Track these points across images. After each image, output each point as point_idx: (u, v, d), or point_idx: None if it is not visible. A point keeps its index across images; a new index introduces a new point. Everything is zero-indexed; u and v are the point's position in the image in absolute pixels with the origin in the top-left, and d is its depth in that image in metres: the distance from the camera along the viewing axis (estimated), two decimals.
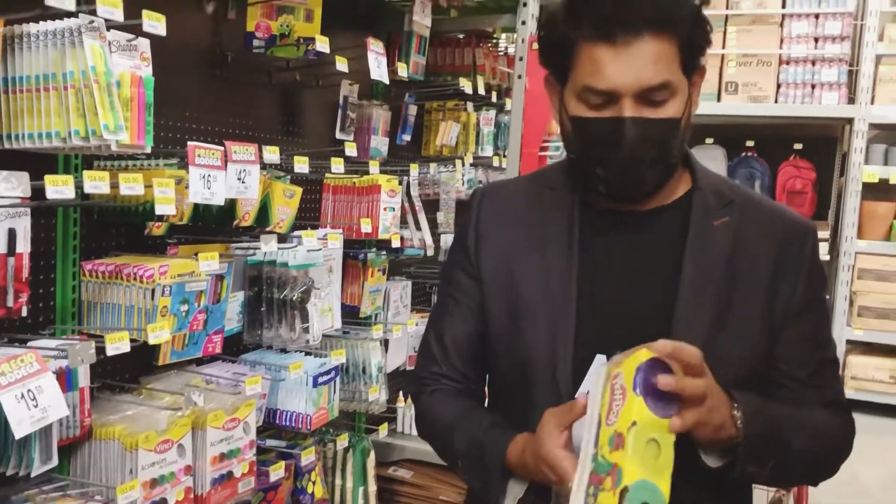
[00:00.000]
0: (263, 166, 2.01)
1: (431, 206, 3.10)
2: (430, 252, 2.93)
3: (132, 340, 1.65)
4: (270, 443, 2.31)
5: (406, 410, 3.00)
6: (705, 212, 1.24)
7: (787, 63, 6.09)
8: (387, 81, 2.39)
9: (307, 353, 2.38)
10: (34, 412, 1.33)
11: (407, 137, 2.99)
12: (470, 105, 3.14)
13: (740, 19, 6.31)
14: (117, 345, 1.56)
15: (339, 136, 2.54)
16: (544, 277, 1.25)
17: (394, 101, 2.91)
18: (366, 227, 2.43)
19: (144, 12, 1.55)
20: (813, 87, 5.90)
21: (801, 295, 1.24)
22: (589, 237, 1.26)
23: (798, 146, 6.49)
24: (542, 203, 1.30)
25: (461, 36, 3.16)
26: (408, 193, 2.81)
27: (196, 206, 1.92)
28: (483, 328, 1.32)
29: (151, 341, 1.66)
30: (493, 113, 3.36)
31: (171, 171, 1.77)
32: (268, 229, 2.07)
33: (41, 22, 1.49)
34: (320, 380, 2.28)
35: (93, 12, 1.45)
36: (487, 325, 1.31)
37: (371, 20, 2.81)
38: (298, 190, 2.16)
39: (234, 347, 2.31)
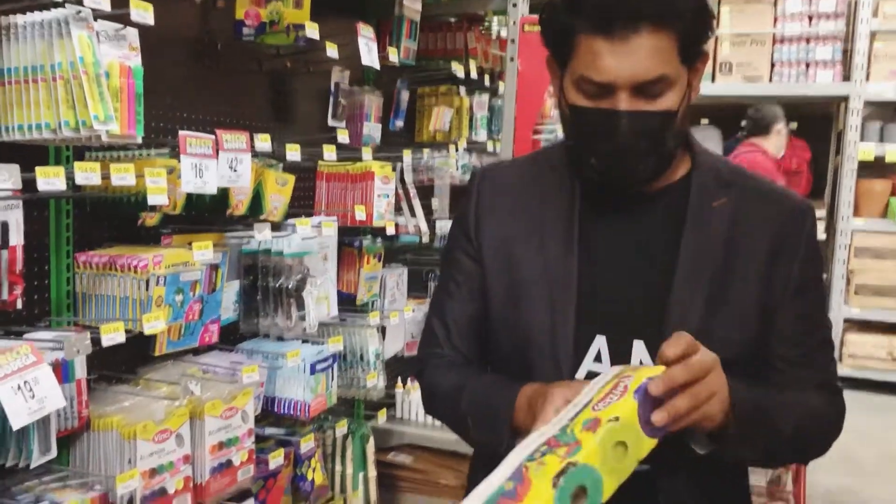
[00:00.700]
0: (255, 154, 2.01)
1: (426, 192, 3.09)
2: (426, 238, 2.93)
3: (127, 331, 1.65)
4: (270, 431, 2.32)
5: (405, 396, 3.01)
6: (703, 193, 1.24)
7: (781, 42, 6.06)
8: (378, 67, 2.38)
9: (304, 341, 2.38)
10: (31, 403, 1.33)
11: (400, 123, 2.99)
12: (463, 89, 3.13)
13: None
14: (112, 335, 1.57)
15: (331, 122, 2.53)
16: (544, 259, 1.25)
17: (386, 87, 2.90)
18: (360, 214, 2.42)
19: (132, 1, 1.54)
20: (807, 65, 5.87)
21: (798, 275, 1.23)
22: (589, 218, 1.26)
23: (793, 125, 6.48)
24: (542, 183, 1.29)
25: (453, 20, 3.14)
26: (402, 180, 2.80)
27: (189, 195, 1.91)
28: (484, 309, 1.32)
29: (147, 331, 1.66)
30: (486, 97, 3.35)
31: (163, 160, 1.77)
32: (261, 218, 2.07)
33: (28, 13, 1.48)
34: (318, 367, 2.29)
35: (80, 2, 1.44)
36: (488, 306, 1.31)
37: (361, 5, 2.79)
38: (291, 178, 2.16)
39: (231, 336, 2.31)
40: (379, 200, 2.57)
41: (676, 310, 1.19)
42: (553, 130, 2.98)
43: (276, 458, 2.15)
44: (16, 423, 1.30)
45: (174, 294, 1.81)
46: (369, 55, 2.32)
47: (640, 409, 1.02)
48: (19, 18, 1.48)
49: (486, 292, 1.30)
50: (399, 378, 3.05)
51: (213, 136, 1.78)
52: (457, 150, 2.99)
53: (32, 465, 1.60)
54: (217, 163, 1.79)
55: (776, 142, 5.63)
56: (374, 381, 2.61)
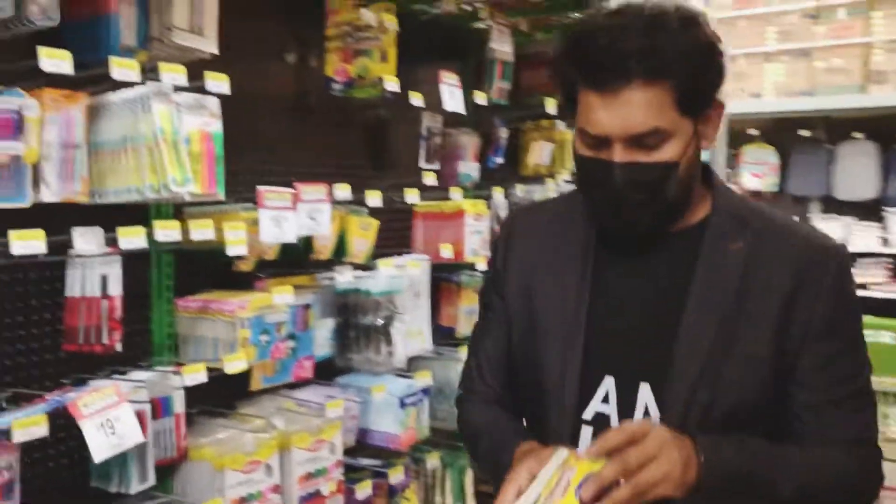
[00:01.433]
0: (338, 202, 2.15)
1: None
2: None
3: (212, 370, 1.81)
4: (364, 461, 2.43)
5: None
6: (719, 236, 1.22)
7: None
8: (462, 111, 2.46)
9: (399, 375, 2.49)
10: (112, 439, 1.50)
11: (499, 160, 3.05)
12: (563, 124, 3.15)
13: (887, 3, 5.87)
14: (194, 376, 1.73)
15: (422, 165, 2.63)
16: (559, 298, 1.28)
17: (485, 126, 2.98)
18: (446, 252, 2.51)
19: (206, 73, 1.71)
20: None
21: (819, 321, 1.18)
22: (604, 260, 1.28)
23: None
24: (564, 225, 1.32)
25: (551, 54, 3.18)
26: (497, 215, 2.86)
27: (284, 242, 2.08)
28: (510, 346, 1.36)
29: (228, 371, 1.82)
30: None
31: (248, 213, 1.93)
32: (345, 260, 2.20)
33: (120, 91, 1.69)
34: (407, 401, 2.38)
35: (157, 80, 1.62)
36: (510, 343, 1.35)
37: (457, 50, 2.90)
38: (374, 222, 2.28)
39: (330, 371, 2.45)
40: (472, 237, 2.64)
41: (681, 354, 1.18)
42: None
43: (364, 489, 2.25)
44: (97, 456, 1.48)
45: (259, 335, 1.96)
46: (451, 101, 2.41)
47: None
48: (112, 97, 1.68)
49: (510, 329, 1.35)
50: None
51: (292, 190, 1.93)
52: (555, 182, 3.01)
53: (131, 492, 1.79)
54: (296, 214, 1.93)
55: None
56: None
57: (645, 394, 1.21)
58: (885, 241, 6.17)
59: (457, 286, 2.77)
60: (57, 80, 1.57)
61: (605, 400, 1.23)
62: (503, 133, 3.03)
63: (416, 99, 2.38)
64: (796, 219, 1.33)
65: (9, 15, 1.43)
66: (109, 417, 1.51)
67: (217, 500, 1.84)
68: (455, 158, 2.84)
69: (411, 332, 2.47)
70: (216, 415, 2.10)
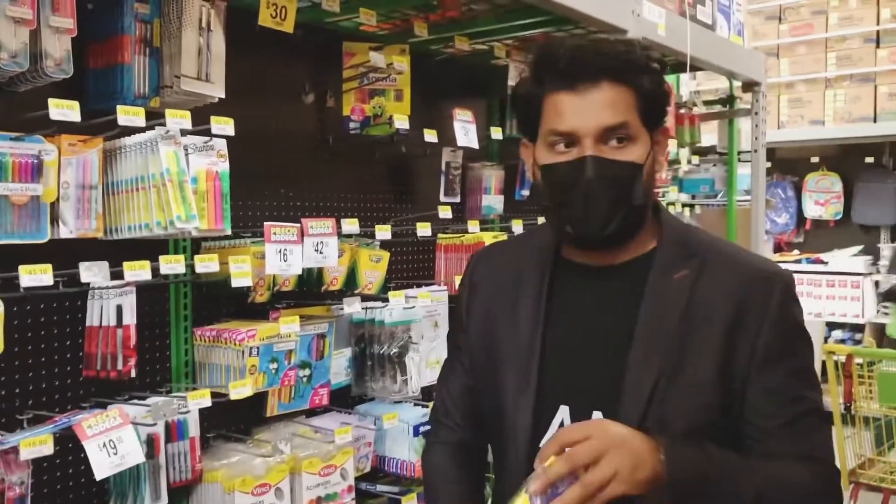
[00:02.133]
0: (348, 236, 2.24)
1: None
2: None
3: (218, 395, 1.92)
4: (381, 488, 2.49)
5: None
6: (666, 266, 1.27)
7: None
8: (476, 147, 2.53)
9: (416, 404, 2.55)
10: (113, 459, 1.62)
11: (525, 192, 3.10)
12: None
13: None
14: (199, 401, 1.83)
15: (442, 199, 2.71)
16: (515, 331, 1.33)
17: (510, 160, 3.04)
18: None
19: (213, 118, 1.84)
20: None
21: (764, 348, 1.21)
22: (559, 292, 1.33)
23: None
24: (523, 260, 1.38)
25: None
26: None
27: (300, 275, 2.18)
28: (473, 382, 1.42)
29: (233, 397, 1.92)
30: None
31: (257, 247, 2.04)
32: (356, 291, 2.28)
33: (133, 135, 1.82)
34: (421, 429, 2.43)
35: (163, 125, 1.75)
36: (475, 379, 1.41)
37: (479, 87, 2.99)
38: (385, 254, 2.36)
39: (349, 399, 2.53)
40: None
41: (630, 381, 1.22)
42: (666, 192, 2.95)
43: None
44: (98, 474, 1.59)
45: (268, 363, 2.06)
46: (466, 137, 2.49)
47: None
48: (126, 140, 1.82)
49: (472, 363, 1.40)
50: None
51: (297, 225, 2.03)
52: None
53: None
54: (302, 247, 2.03)
55: None
56: None
57: None
58: None
59: None
60: (77, 127, 1.72)
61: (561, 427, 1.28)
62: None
63: (431, 136, 2.46)
64: (743, 248, 1.36)
65: (25, 69, 1.58)
66: (112, 438, 1.62)
67: None
68: (477, 192, 2.91)
69: (429, 362, 2.54)
70: (232, 440, 2.20)
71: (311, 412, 2.39)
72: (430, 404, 2.51)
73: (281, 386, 2.12)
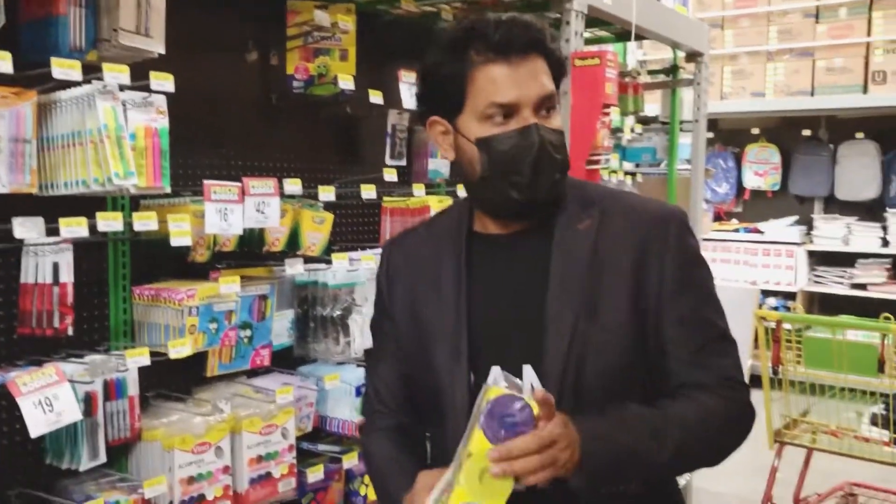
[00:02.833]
0: (291, 197, 2.24)
1: None
2: None
3: (157, 354, 1.91)
4: (322, 447, 2.51)
5: None
6: (569, 219, 1.33)
7: None
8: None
9: (359, 365, 2.57)
10: (49, 416, 1.60)
11: None
12: None
13: (887, 3, 5.85)
14: (137, 359, 1.82)
15: (388, 162, 2.71)
16: (440, 309, 1.37)
17: None
18: None
19: (152, 73, 1.81)
20: None
21: (670, 281, 1.30)
22: (476, 264, 1.38)
23: None
24: (437, 242, 1.42)
25: None
26: None
27: (241, 234, 2.17)
28: (404, 366, 1.45)
29: (172, 356, 1.91)
30: None
31: (197, 206, 2.02)
32: (299, 253, 2.28)
33: (69, 89, 1.78)
34: (363, 390, 2.46)
35: (100, 79, 1.72)
36: (404, 362, 1.43)
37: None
38: (329, 216, 2.36)
39: (291, 360, 2.54)
40: None
41: (551, 330, 1.28)
42: (608, 159, 3.00)
43: (316, 473, 2.34)
44: (33, 431, 1.58)
45: (208, 323, 2.05)
46: (412, 99, 2.48)
47: (488, 433, 1.11)
48: (61, 94, 1.78)
49: (401, 348, 1.43)
50: None
51: (238, 184, 2.01)
52: None
53: (81, 469, 1.89)
54: (243, 207, 2.02)
55: None
56: None
57: (529, 375, 1.30)
58: (885, 242, 6.15)
59: None
60: (10, 79, 1.67)
61: None
62: None
63: (376, 97, 2.45)
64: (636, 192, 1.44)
65: None
66: (48, 395, 1.61)
67: (161, 477, 1.94)
68: (423, 156, 2.91)
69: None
70: (172, 399, 2.20)
71: (253, 373, 2.40)
72: None
73: (221, 346, 2.12)
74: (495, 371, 1.31)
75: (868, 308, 5.51)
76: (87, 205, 1.87)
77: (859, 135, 6.31)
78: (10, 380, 1.59)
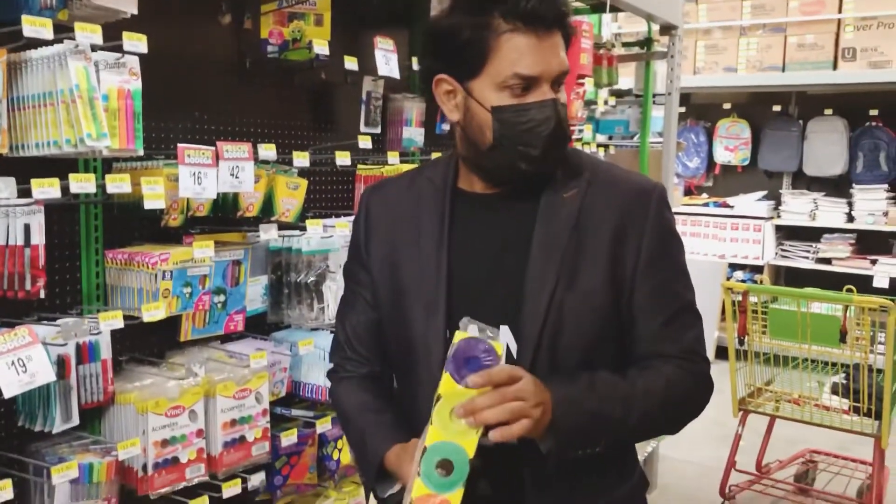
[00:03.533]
0: (265, 162, 2.23)
1: None
2: None
3: (130, 318, 1.91)
4: (296, 412, 2.53)
5: None
6: (554, 187, 1.36)
7: None
8: (397, 77, 2.53)
9: (332, 331, 2.57)
10: (22, 377, 1.60)
11: (446, 126, 3.12)
12: None
13: None
14: (111, 322, 1.82)
15: (363, 129, 2.71)
16: (419, 263, 1.38)
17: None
18: None
19: (125, 34, 1.78)
20: None
21: (646, 253, 1.33)
22: (459, 221, 1.39)
23: None
24: (419, 195, 1.43)
25: None
26: None
27: (215, 199, 2.16)
28: (378, 316, 1.46)
29: (146, 319, 1.91)
30: None
31: (170, 169, 2.01)
32: (273, 219, 2.28)
33: (40, 48, 1.76)
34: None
35: (72, 38, 1.69)
36: (379, 312, 1.45)
37: (403, 16, 2.96)
38: (303, 182, 2.36)
39: (265, 326, 2.54)
40: None
41: (530, 292, 1.31)
42: (582, 130, 3.02)
43: (289, 437, 2.36)
44: (7, 392, 1.58)
45: (182, 287, 2.05)
46: (387, 66, 2.48)
47: (455, 374, 1.14)
48: (32, 53, 1.75)
49: (376, 299, 1.44)
50: None
51: (212, 148, 2.00)
52: None
53: (55, 431, 1.89)
54: (217, 171, 2.01)
55: None
56: None
57: (506, 335, 1.33)
58: (851, 218, 6.27)
59: None
60: None
61: None
62: None
63: (351, 63, 2.44)
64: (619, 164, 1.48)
65: None
66: (21, 356, 1.60)
67: (135, 439, 1.94)
68: (398, 123, 2.91)
69: None
70: (145, 363, 2.20)
71: (226, 338, 2.40)
72: None
73: (195, 310, 2.12)
74: (466, 320, 1.34)
75: (832, 282, 5.62)
76: (57, 167, 1.85)
77: (828, 111, 6.39)
78: None
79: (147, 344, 2.25)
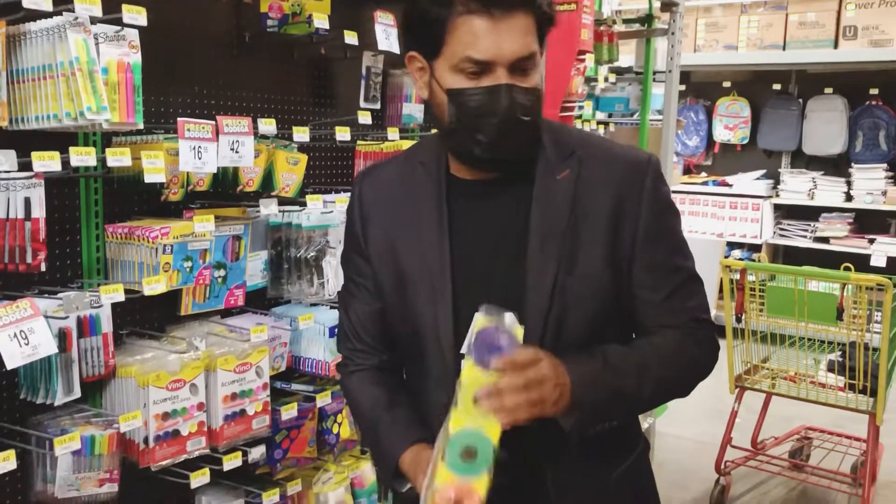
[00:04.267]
0: (265, 137, 2.23)
1: None
2: None
3: (131, 291, 1.91)
4: (296, 387, 2.55)
5: None
6: (548, 168, 1.34)
7: None
8: (397, 52, 2.51)
9: (332, 307, 2.59)
10: (25, 349, 1.61)
11: None
12: None
13: None
14: (112, 295, 1.83)
15: (362, 105, 2.70)
16: (421, 251, 1.37)
17: None
18: None
19: (124, 6, 1.78)
20: None
21: (645, 226, 1.32)
22: (457, 208, 1.38)
23: None
24: (414, 179, 1.41)
25: None
26: None
27: (215, 174, 2.16)
28: (381, 305, 1.45)
29: (147, 293, 1.92)
30: None
31: (171, 143, 2.01)
32: (273, 194, 2.28)
33: (39, 20, 1.75)
34: (337, 330, 2.48)
35: (71, 10, 1.69)
36: (382, 300, 1.44)
37: None
38: (303, 157, 2.36)
39: (266, 301, 2.55)
40: None
41: (532, 279, 1.30)
42: (582, 107, 3.02)
43: (289, 411, 2.37)
44: (10, 363, 1.59)
45: (182, 261, 2.06)
46: (387, 41, 2.47)
47: (478, 361, 1.14)
48: (31, 26, 1.75)
49: (378, 288, 1.44)
50: None
51: (212, 122, 2.00)
52: None
53: (56, 404, 1.90)
54: (217, 145, 2.01)
55: None
56: None
57: (511, 322, 1.31)
58: (849, 197, 6.27)
59: None
60: None
61: None
62: None
63: (351, 38, 2.43)
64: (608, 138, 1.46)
65: None
66: (23, 329, 1.61)
67: (137, 412, 1.96)
68: (398, 99, 2.90)
69: None
70: (146, 337, 2.21)
71: (227, 312, 2.41)
72: None
73: (196, 285, 2.13)
74: (485, 307, 1.34)
75: (830, 260, 5.63)
76: (57, 141, 1.85)
77: (828, 90, 6.37)
78: None
79: (147, 318, 2.26)
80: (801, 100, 6.54)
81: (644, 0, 4.06)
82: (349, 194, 2.56)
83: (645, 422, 4.12)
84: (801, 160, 6.65)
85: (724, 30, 6.39)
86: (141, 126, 1.87)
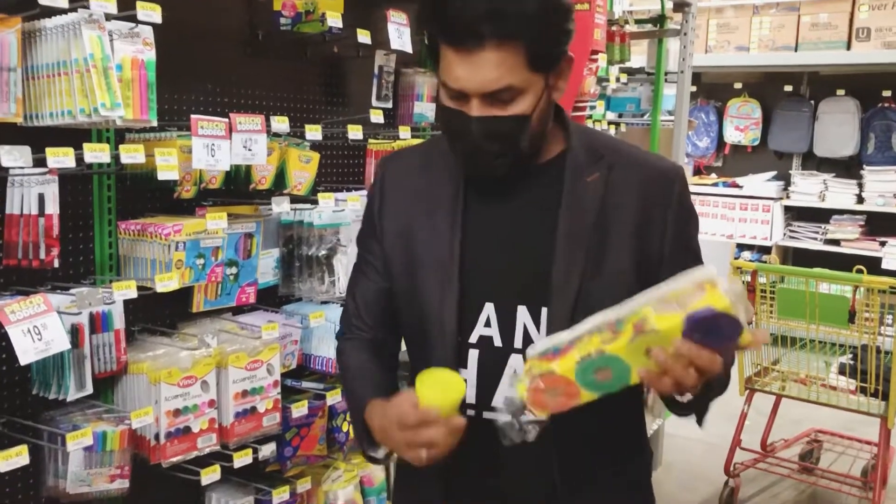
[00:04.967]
0: (276, 135, 2.23)
1: None
2: None
3: (143, 288, 1.92)
4: (307, 384, 2.55)
5: None
6: (577, 170, 1.34)
7: None
8: (409, 51, 2.52)
9: (342, 304, 2.59)
10: (38, 344, 1.61)
11: None
12: None
13: None
14: (125, 292, 1.83)
15: (375, 103, 2.70)
16: (433, 238, 1.38)
17: None
18: None
19: (139, 3, 1.78)
20: None
21: (671, 238, 1.33)
22: (473, 200, 1.39)
23: None
24: (434, 168, 1.43)
25: None
26: None
27: (228, 172, 2.16)
28: (389, 286, 1.47)
29: (159, 290, 1.92)
30: None
31: (184, 141, 2.01)
32: (285, 192, 2.28)
33: (54, 17, 1.75)
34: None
35: (86, 7, 1.69)
36: (391, 283, 1.45)
37: None
38: (315, 155, 2.36)
39: (277, 299, 2.56)
40: None
41: (558, 280, 1.31)
42: (594, 107, 3.01)
43: (300, 408, 2.37)
44: (23, 359, 1.59)
45: (195, 258, 2.06)
46: (399, 40, 2.47)
47: (693, 334, 1.09)
48: (46, 22, 1.75)
49: (388, 271, 1.44)
50: None
51: (226, 119, 2.00)
52: None
53: (69, 399, 1.91)
54: (230, 143, 2.01)
55: None
56: None
57: (523, 315, 1.34)
58: (860, 199, 6.24)
59: None
60: None
61: (488, 324, 1.36)
62: None
63: (364, 36, 2.43)
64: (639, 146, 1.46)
65: None
66: (36, 324, 1.61)
67: (149, 408, 1.96)
68: (409, 98, 2.90)
69: None
70: (158, 333, 2.21)
71: (238, 310, 2.42)
72: None
73: (208, 282, 2.13)
74: (488, 309, 1.35)
75: (841, 263, 5.60)
76: (71, 137, 1.85)
77: (840, 92, 6.34)
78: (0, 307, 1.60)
79: (159, 315, 2.26)
80: (812, 101, 6.51)
81: (656, 0, 4.04)
82: (362, 192, 2.58)
83: (654, 423, 4.11)
84: (812, 162, 6.63)
85: (736, 31, 6.37)
86: (154, 123, 1.87)
